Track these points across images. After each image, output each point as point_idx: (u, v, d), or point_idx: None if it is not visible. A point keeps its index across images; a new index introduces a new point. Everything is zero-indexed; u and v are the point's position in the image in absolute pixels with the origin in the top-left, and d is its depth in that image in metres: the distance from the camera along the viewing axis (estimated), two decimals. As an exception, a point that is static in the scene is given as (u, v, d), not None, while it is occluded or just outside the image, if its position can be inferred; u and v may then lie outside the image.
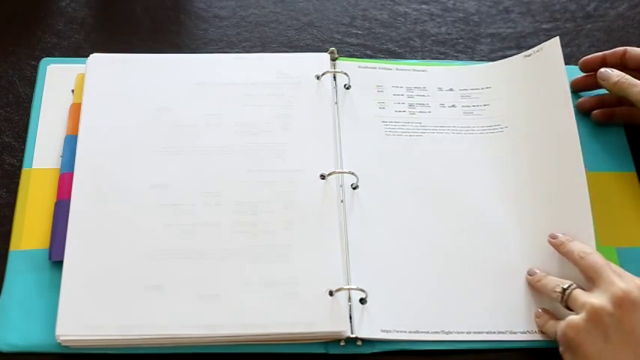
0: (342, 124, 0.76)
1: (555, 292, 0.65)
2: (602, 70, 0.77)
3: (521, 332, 0.67)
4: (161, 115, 0.74)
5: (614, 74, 0.76)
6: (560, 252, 0.68)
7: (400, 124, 0.77)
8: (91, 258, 0.67)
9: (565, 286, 0.65)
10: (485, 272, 0.70)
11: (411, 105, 0.79)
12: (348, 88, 0.79)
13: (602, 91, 0.79)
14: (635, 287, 0.62)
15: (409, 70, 0.81)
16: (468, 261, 0.70)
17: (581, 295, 0.63)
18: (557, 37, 0.77)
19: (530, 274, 0.69)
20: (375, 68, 0.81)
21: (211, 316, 0.64)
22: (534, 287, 0.69)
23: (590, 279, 0.65)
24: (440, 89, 0.80)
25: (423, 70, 0.81)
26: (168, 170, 0.71)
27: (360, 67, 0.81)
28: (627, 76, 0.75)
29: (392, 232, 0.71)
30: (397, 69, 0.81)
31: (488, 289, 0.69)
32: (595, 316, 0.61)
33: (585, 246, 0.67)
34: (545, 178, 0.72)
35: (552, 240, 0.69)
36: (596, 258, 0.65)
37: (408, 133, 0.77)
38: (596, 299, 0.62)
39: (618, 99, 0.79)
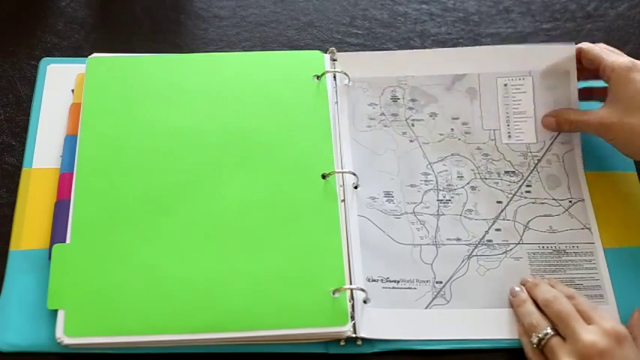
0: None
1: (531, 337, 0.64)
2: (545, 120, 0.76)
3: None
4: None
5: (562, 123, 0.75)
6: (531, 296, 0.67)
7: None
8: (91, 258, 0.67)
9: (540, 336, 0.64)
10: None
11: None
12: (347, 88, 0.79)
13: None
14: (600, 335, 0.61)
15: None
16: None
17: (556, 349, 0.62)
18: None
19: (512, 294, 0.68)
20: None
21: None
22: (514, 309, 0.68)
23: (558, 327, 0.64)
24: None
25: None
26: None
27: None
28: (572, 117, 0.74)
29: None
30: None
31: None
32: None
33: (548, 290, 0.66)
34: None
35: (512, 298, 0.68)
36: (560, 306, 0.64)
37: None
38: (567, 357, 0.61)
39: (594, 71, 0.76)
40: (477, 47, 0.81)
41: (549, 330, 0.64)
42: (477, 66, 0.79)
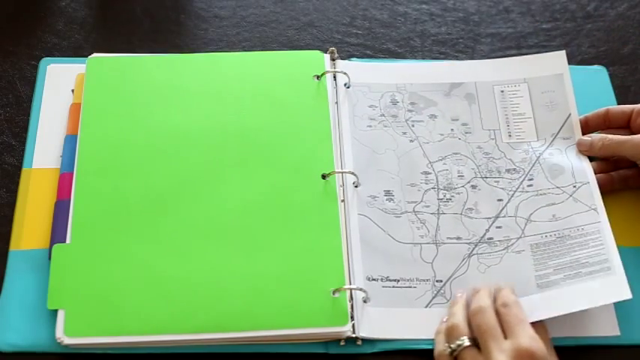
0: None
1: (445, 344, 0.64)
2: (581, 140, 0.75)
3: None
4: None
5: (596, 139, 0.73)
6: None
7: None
8: (91, 258, 0.67)
9: (453, 347, 0.62)
10: None
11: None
12: (348, 88, 0.79)
13: None
14: (511, 357, 0.59)
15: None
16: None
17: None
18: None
19: (457, 293, 0.67)
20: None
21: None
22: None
23: (478, 339, 0.63)
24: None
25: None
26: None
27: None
28: (610, 136, 0.72)
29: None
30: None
31: None
32: None
33: (479, 300, 0.65)
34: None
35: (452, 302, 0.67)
36: (480, 320, 0.63)
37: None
38: None
39: (613, 163, 0.75)
40: (472, 61, 0.82)
41: (465, 340, 0.62)
42: (472, 76, 0.80)
